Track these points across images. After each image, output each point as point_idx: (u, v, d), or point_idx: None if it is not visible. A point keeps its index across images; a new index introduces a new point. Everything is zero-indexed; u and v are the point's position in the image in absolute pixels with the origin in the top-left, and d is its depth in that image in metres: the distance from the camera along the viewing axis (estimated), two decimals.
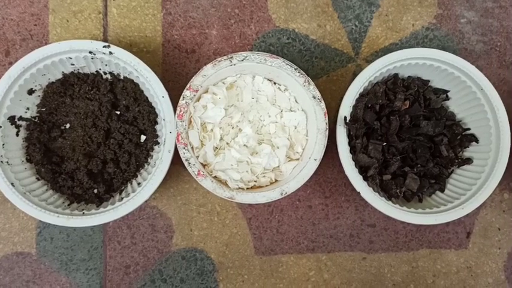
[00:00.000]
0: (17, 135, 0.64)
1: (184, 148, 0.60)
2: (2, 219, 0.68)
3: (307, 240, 0.69)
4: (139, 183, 0.64)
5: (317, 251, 0.69)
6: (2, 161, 0.61)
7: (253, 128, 0.65)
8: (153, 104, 0.66)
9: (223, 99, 0.63)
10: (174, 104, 0.62)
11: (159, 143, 0.66)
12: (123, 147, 0.66)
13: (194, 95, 0.62)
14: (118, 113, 0.65)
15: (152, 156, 0.66)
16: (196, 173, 0.60)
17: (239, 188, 0.62)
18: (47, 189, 0.64)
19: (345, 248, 0.71)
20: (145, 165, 0.67)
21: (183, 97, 0.61)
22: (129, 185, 0.66)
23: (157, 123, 0.66)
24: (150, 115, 0.66)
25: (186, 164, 0.60)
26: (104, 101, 0.66)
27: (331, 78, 0.72)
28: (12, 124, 0.64)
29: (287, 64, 0.62)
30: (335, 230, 0.71)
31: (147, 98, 0.66)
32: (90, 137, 0.66)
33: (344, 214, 0.71)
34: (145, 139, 0.67)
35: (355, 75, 0.72)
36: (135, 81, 0.66)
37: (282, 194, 0.61)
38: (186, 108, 0.61)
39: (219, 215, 0.67)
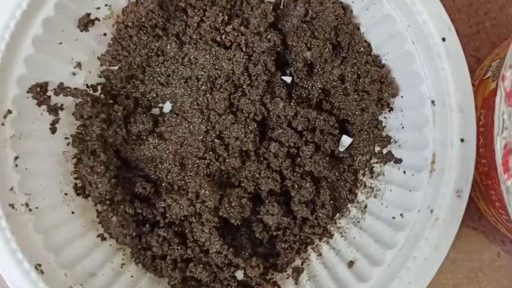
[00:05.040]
0: (53, 131, 0.26)
1: None
2: None
3: None
4: (351, 263, 0.25)
5: None
6: (13, 205, 0.23)
7: None
8: (384, 61, 0.26)
9: None
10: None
11: (398, 161, 0.25)
12: (299, 164, 0.27)
13: None
14: (288, 80, 0.27)
15: (374, 189, 0.27)
16: None
17: None
18: (122, 266, 0.26)
19: None
20: (351, 208, 0.27)
21: None
22: (313, 257, 0.27)
23: (392, 110, 0.26)
24: (373, 85, 0.26)
25: None
26: (258, 51, 0.26)
27: None
28: (40, 104, 0.26)
29: None
30: None
31: (369, 45, 0.26)
32: (220, 136, 0.27)
33: None
34: (351, 146, 0.27)
35: None
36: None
37: None
38: None
39: None
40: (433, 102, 0.24)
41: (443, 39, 0.23)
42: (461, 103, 0.23)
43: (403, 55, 0.25)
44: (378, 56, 0.27)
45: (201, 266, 0.26)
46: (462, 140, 0.23)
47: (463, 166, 0.22)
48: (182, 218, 0.27)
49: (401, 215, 0.24)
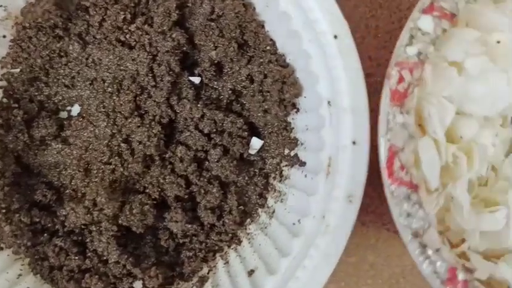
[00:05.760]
0: None
1: (407, 198, 0.19)
2: None
3: None
4: (252, 271, 0.24)
5: None
6: None
7: None
8: (289, 60, 0.25)
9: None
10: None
11: (302, 165, 0.25)
12: (207, 168, 0.26)
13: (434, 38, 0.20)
14: (197, 80, 0.26)
15: (281, 193, 0.26)
16: (443, 279, 0.19)
17: None
18: (18, 277, 0.25)
19: None
20: (260, 213, 0.26)
21: (409, 40, 0.19)
22: (220, 265, 0.26)
23: (299, 111, 0.25)
24: (274, 85, 0.25)
25: (412, 250, 0.19)
26: (163, 51, 0.25)
27: None
28: None
29: None
30: None
31: (274, 43, 0.25)
32: (127, 140, 0.26)
33: None
34: (263, 148, 0.26)
35: None
36: None
37: None
38: (418, 72, 0.19)
39: None
40: (329, 102, 0.22)
41: (335, 37, 0.22)
42: (353, 104, 0.21)
43: (301, 54, 0.24)
44: (283, 55, 0.26)
45: (97, 276, 0.25)
46: (354, 143, 0.21)
47: (355, 170, 0.21)
48: (83, 227, 0.26)
49: (299, 221, 0.23)
